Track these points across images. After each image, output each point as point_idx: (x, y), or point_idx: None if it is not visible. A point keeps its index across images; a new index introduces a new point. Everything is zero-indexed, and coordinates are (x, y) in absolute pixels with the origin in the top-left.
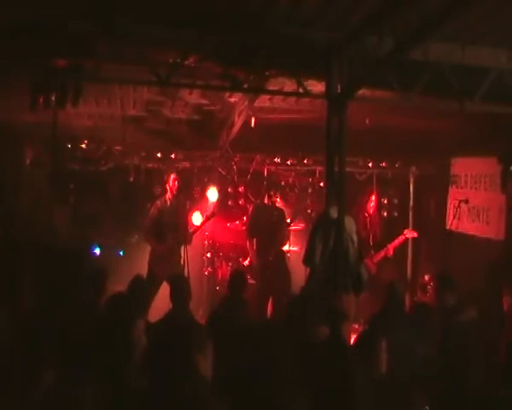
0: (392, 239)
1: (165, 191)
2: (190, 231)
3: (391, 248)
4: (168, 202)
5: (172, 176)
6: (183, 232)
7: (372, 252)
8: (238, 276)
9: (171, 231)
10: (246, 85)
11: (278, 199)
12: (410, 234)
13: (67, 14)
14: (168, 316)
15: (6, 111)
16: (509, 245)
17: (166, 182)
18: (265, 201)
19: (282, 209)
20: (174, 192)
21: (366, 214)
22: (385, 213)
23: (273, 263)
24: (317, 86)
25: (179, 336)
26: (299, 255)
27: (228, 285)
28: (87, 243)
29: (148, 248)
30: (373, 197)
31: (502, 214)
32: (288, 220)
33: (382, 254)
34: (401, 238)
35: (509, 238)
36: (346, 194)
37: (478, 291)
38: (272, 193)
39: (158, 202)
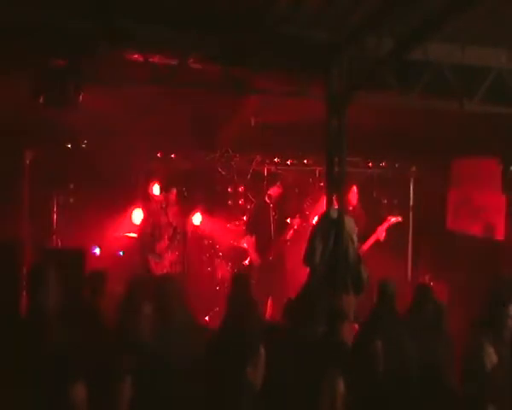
0: (377, 226)
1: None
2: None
3: (380, 231)
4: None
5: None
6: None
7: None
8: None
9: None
10: (246, 85)
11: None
12: (394, 219)
13: (67, 14)
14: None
15: (6, 111)
16: (509, 245)
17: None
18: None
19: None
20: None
21: (350, 208)
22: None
23: (272, 263)
24: (317, 86)
25: (232, 345)
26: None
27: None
28: (87, 242)
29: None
30: (354, 188)
31: (502, 214)
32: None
33: (371, 241)
34: (386, 224)
35: (508, 238)
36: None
37: (476, 291)
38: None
39: (147, 215)
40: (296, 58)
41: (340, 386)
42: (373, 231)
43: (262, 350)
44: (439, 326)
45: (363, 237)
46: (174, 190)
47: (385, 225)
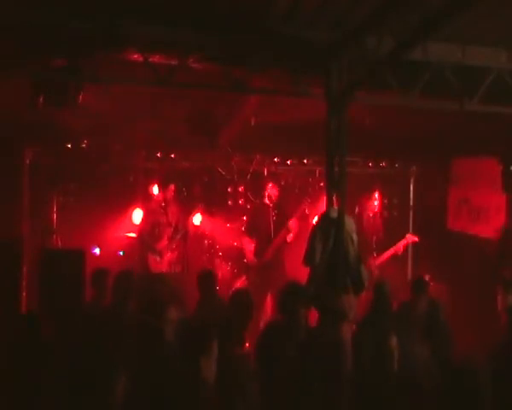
0: (394, 242)
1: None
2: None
3: (399, 246)
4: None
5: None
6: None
7: (374, 254)
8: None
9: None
10: (246, 85)
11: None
12: (411, 238)
13: (67, 14)
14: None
15: (6, 111)
16: (507, 245)
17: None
18: (265, 200)
19: (281, 208)
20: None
21: (370, 214)
22: (385, 213)
23: (271, 262)
24: (317, 86)
25: (186, 337)
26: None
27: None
28: (87, 242)
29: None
30: (376, 195)
31: (501, 214)
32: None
33: (388, 254)
34: (404, 241)
35: (507, 238)
36: (346, 194)
37: (476, 291)
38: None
39: (146, 215)
40: (296, 58)
41: None
42: (389, 243)
43: (214, 344)
44: (435, 321)
45: (379, 249)
46: (172, 186)
47: (403, 242)
